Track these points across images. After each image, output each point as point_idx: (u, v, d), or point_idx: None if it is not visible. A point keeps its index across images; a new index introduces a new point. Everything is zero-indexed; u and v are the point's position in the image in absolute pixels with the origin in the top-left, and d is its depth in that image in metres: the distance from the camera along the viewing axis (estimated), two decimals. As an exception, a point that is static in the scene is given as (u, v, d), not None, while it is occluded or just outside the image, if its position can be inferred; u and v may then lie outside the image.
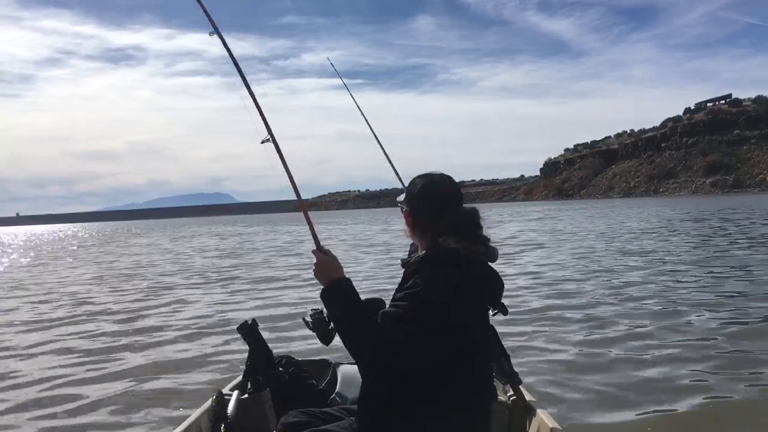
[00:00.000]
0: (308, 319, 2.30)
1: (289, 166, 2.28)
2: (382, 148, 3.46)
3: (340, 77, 3.92)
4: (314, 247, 2.11)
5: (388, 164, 3.38)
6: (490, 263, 2.12)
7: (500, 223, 35.66)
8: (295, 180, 2.24)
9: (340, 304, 1.97)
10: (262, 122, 2.32)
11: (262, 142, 2.30)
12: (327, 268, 2.04)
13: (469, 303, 1.97)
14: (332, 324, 2.12)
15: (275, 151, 2.31)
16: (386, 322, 1.87)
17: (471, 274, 2.00)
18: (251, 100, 2.35)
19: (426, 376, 1.93)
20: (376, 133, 3.47)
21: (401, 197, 2.22)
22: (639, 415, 4.13)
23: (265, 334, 2.84)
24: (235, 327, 2.82)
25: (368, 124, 3.53)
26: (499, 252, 2.11)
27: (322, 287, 2.01)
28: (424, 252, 2.09)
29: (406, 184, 3.28)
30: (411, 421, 1.94)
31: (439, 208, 2.10)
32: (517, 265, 13.10)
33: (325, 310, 2.13)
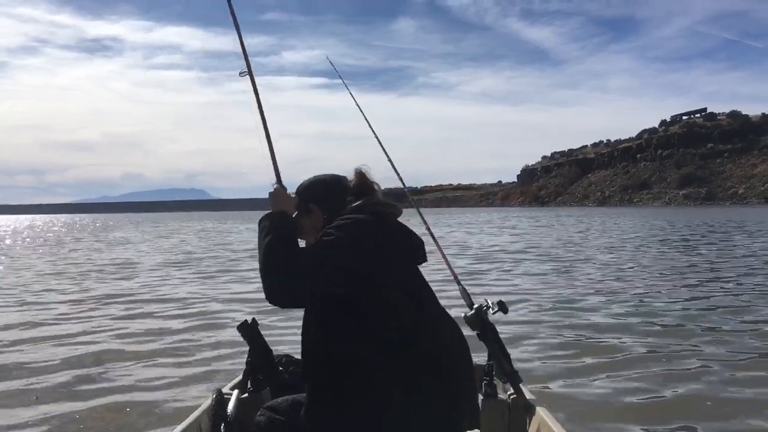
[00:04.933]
0: None
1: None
2: (382, 147, 3.44)
3: (341, 77, 3.87)
4: (275, 181, 2.17)
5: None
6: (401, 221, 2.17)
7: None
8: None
9: (274, 230, 1.96)
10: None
11: (240, 74, 2.34)
12: (283, 199, 2.09)
13: (357, 254, 1.92)
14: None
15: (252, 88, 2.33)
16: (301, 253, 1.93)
17: (360, 229, 1.98)
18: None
19: (362, 349, 1.89)
20: (375, 131, 3.44)
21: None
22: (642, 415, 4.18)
23: (265, 334, 2.82)
24: (235, 326, 2.79)
25: (367, 120, 3.49)
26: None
27: (269, 212, 2.04)
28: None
29: (407, 184, 3.32)
30: (338, 394, 1.89)
31: (338, 191, 2.17)
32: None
33: None
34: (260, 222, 2.01)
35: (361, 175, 2.21)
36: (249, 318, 2.80)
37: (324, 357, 1.95)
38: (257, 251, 1.97)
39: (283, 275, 1.86)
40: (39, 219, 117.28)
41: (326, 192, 2.19)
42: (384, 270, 1.97)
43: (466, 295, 2.89)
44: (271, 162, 2.26)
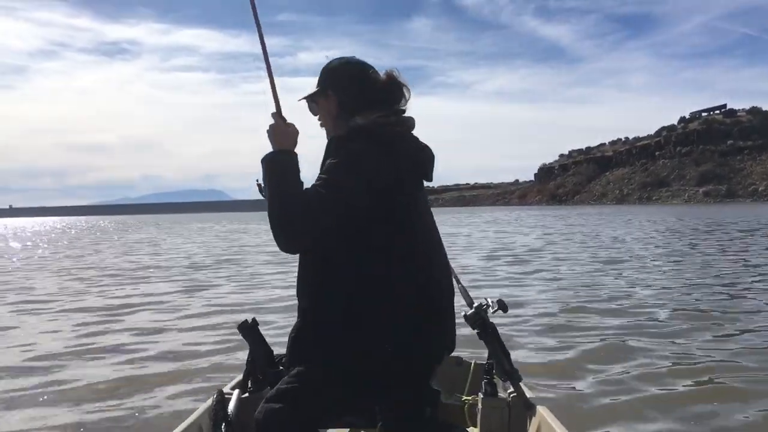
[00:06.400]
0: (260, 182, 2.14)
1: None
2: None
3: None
4: (274, 111, 2.07)
5: None
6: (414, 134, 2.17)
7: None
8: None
9: (280, 173, 1.93)
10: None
11: None
12: (283, 135, 2.01)
13: (372, 175, 1.93)
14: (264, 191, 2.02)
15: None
16: (312, 194, 1.89)
17: (377, 147, 1.98)
18: None
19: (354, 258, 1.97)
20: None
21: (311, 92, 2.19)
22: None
23: (265, 333, 2.84)
24: (236, 326, 2.82)
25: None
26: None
27: (269, 152, 1.99)
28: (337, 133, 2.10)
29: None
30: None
31: (360, 86, 2.11)
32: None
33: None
34: (262, 163, 1.96)
35: (390, 75, 2.12)
36: (249, 318, 2.83)
37: (331, 280, 2.02)
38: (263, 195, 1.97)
39: (293, 222, 1.85)
40: (63, 221, 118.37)
41: (348, 82, 2.12)
42: (389, 197, 1.97)
43: (466, 294, 2.89)
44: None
